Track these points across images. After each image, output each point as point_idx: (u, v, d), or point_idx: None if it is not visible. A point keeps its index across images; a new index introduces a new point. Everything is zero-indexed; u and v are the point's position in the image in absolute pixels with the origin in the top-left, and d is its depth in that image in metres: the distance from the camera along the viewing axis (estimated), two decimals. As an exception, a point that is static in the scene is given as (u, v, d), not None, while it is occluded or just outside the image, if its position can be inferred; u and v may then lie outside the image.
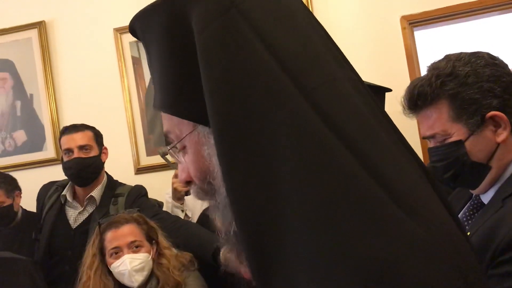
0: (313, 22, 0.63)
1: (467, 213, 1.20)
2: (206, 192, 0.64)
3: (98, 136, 2.50)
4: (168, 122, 0.65)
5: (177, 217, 2.35)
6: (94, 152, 2.44)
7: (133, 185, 2.54)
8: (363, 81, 0.63)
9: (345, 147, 0.52)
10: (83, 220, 2.43)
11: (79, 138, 2.41)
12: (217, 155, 0.57)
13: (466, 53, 1.17)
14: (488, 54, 1.17)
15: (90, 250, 1.98)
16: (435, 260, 0.49)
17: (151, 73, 0.67)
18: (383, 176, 0.52)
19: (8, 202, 2.56)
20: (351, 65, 0.63)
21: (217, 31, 0.56)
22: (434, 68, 1.17)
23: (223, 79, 0.55)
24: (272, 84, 0.55)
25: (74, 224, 2.45)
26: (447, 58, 1.18)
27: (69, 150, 2.41)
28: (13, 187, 2.62)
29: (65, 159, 2.42)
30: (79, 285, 1.94)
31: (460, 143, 1.12)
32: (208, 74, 0.56)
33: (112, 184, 2.53)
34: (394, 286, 0.47)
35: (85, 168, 2.40)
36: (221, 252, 2.28)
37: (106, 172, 2.57)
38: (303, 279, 0.50)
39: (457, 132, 1.13)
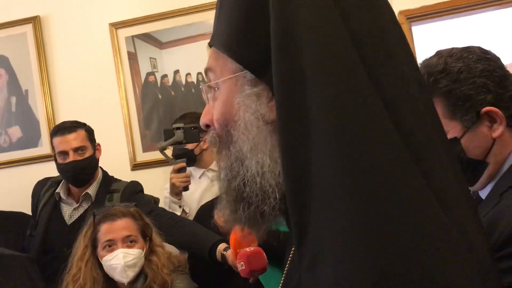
0: (388, 7, 0.63)
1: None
2: (222, 139, 0.64)
3: (90, 134, 2.47)
4: (213, 60, 0.65)
5: (174, 214, 2.34)
6: (89, 152, 2.42)
7: (129, 181, 2.52)
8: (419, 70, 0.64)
9: (398, 132, 0.52)
10: (78, 216, 2.42)
11: (73, 140, 2.38)
12: (276, 108, 0.56)
13: (457, 49, 1.15)
14: (479, 48, 1.16)
15: (82, 241, 1.94)
16: (452, 258, 0.49)
17: (219, 10, 0.66)
18: (428, 172, 0.52)
19: None
20: (408, 46, 0.64)
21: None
22: (426, 65, 1.16)
23: (295, 44, 0.55)
24: (339, 52, 0.54)
25: (69, 221, 2.44)
26: (439, 54, 1.16)
27: (63, 153, 2.38)
28: None
29: (60, 161, 2.40)
30: (67, 276, 1.91)
31: (456, 140, 1.11)
32: (281, 35, 0.56)
33: (107, 180, 2.52)
34: (409, 284, 0.46)
35: (82, 171, 2.39)
36: (217, 249, 2.25)
37: (101, 167, 2.55)
38: (329, 246, 0.50)
39: (452, 130, 1.12)
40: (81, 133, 2.41)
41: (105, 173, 2.56)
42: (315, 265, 0.51)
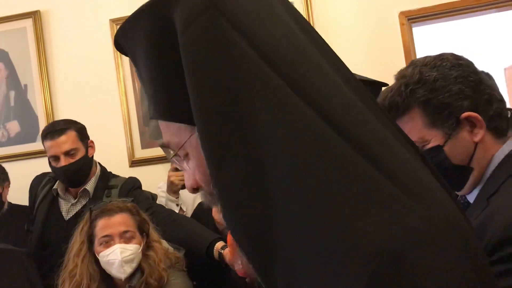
0: (294, 14, 0.63)
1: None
2: (213, 196, 0.62)
3: (81, 133, 2.42)
4: (167, 132, 0.65)
5: (171, 211, 2.33)
6: (80, 153, 2.38)
7: (127, 177, 2.51)
8: (348, 69, 0.63)
9: (335, 132, 0.52)
10: (76, 212, 2.41)
11: (63, 143, 2.33)
12: (205, 158, 0.56)
13: (431, 57, 1.17)
14: (452, 55, 1.17)
15: (78, 237, 1.93)
16: (443, 246, 0.48)
17: (142, 84, 0.66)
18: (376, 157, 0.52)
19: None
20: (334, 52, 0.63)
21: (197, 30, 0.56)
22: (402, 76, 1.16)
23: (206, 78, 0.55)
24: (257, 78, 0.54)
25: (67, 216, 2.43)
26: (413, 64, 1.17)
27: (55, 157, 2.36)
28: (3, 178, 2.61)
29: (53, 164, 2.38)
30: (64, 272, 1.90)
31: (439, 148, 1.13)
32: (192, 75, 0.56)
33: (106, 175, 2.50)
34: (403, 277, 0.46)
35: (75, 173, 2.37)
36: (214, 248, 2.27)
37: (99, 163, 2.54)
38: (304, 274, 0.49)
39: (434, 138, 1.13)
40: (71, 134, 2.36)
41: (103, 168, 2.54)
42: None
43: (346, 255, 0.47)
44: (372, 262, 0.46)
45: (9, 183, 2.65)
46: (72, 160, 2.35)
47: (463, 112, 1.11)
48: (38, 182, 2.55)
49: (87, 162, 2.43)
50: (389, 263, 0.46)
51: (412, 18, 2.89)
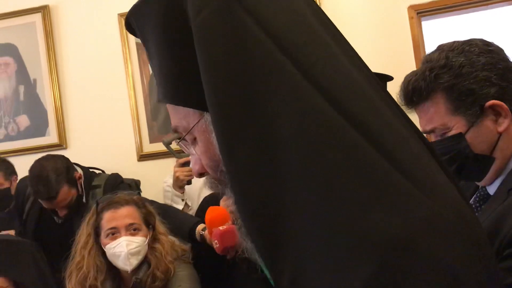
0: (311, 5, 0.62)
1: (473, 205, 1.18)
2: (220, 181, 0.63)
3: (70, 180, 2.38)
4: (175, 115, 0.64)
5: (152, 201, 2.32)
6: (74, 197, 2.38)
7: (129, 173, 2.53)
8: (362, 59, 0.62)
9: (346, 120, 0.52)
10: (65, 215, 2.42)
11: (59, 203, 2.34)
12: (217, 142, 0.56)
13: (459, 42, 1.13)
14: (482, 41, 1.13)
15: (85, 229, 1.94)
16: (451, 236, 0.49)
17: (152, 68, 0.65)
18: (386, 147, 0.51)
19: (6, 185, 2.60)
20: (348, 43, 0.62)
21: (210, 14, 0.56)
22: (427, 60, 1.13)
23: (218, 62, 0.54)
24: (270, 64, 0.54)
25: (58, 220, 2.45)
26: (440, 48, 1.14)
27: (51, 209, 2.39)
28: (11, 171, 2.64)
29: (49, 209, 2.40)
30: (71, 264, 1.91)
31: (460, 136, 1.09)
32: (204, 59, 0.55)
33: (88, 177, 2.49)
34: (410, 265, 0.46)
35: (73, 213, 2.36)
36: (196, 230, 2.32)
37: (80, 166, 2.53)
38: (312, 261, 0.49)
39: (456, 125, 1.10)
40: (63, 192, 2.32)
41: (84, 171, 2.52)
42: (297, 285, 0.50)
43: (355, 243, 0.47)
44: (381, 250, 0.46)
45: (16, 177, 2.67)
46: (68, 206, 2.36)
47: (488, 100, 1.07)
48: (24, 187, 2.54)
49: (80, 199, 2.41)
50: (399, 251, 0.46)
51: (421, 11, 2.87)
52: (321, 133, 0.51)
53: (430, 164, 0.56)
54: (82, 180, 2.44)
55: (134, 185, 2.57)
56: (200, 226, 2.06)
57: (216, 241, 1.69)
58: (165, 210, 2.22)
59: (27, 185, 2.51)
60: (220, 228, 1.68)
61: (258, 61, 0.54)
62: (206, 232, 1.98)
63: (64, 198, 2.34)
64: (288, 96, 0.52)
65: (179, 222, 2.15)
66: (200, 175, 0.66)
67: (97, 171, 2.68)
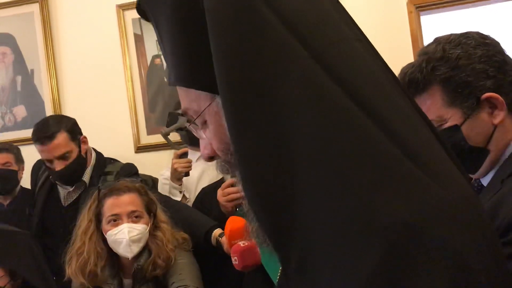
0: None
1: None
2: (231, 164, 0.63)
3: (72, 132, 2.32)
4: (186, 98, 0.64)
5: (168, 197, 2.32)
6: (74, 154, 2.31)
7: (124, 163, 2.49)
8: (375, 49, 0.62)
9: (358, 106, 0.52)
10: (73, 200, 2.40)
11: (55, 149, 2.25)
12: (227, 125, 0.56)
13: (456, 35, 1.13)
14: (478, 33, 1.13)
15: (86, 215, 1.94)
16: (459, 223, 0.49)
17: (163, 50, 0.66)
18: (396, 133, 0.52)
19: (15, 168, 2.64)
20: (360, 29, 0.62)
21: None
22: (424, 53, 1.14)
23: (231, 45, 0.55)
24: (281, 48, 0.54)
25: (65, 202, 2.43)
26: (437, 41, 1.14)
27: (48, 160, 2.31)
28: (21, 159, 2.70)
29: (47, 164, 2.34)
30: (72, 249, 1.91)
31: (456, 128, 1.10)
32: (216, 43, 0.55)
33: (101, 163, 2.46)
34: (420, 251, 0.46)
35: (70, 175, 2.33)
36: (212, 234, 2.26)
37: (94, 150, 2.50)
38: (321, 243, 0.50)
39: (452, 117, 1.10)
40: (61, 137, 2.27)
41: (98, 156, 2.49)
42: (305, 268, 0.51)
43: (364, 227, 0.47)
44: (390, 234, 0.46)
45: (23, 166, 2.70)
46: (66, 163, 2.28)
47: (485, 93, 1.07)
48: (38, 166, 2.54)
49: (81, 161, 2.36)
50: (408, 236, 0.46)
51: (420, 6, 2.86)
52: (332, 118, 0.51)
53: (440, 152, 0.56)
54: (86, 146, 2.40)
55: (151, 182, 2.51)
56: (217, 231, 2.03)
57: (236, 257, 1.57)
58: (178, 210, 2.19)
59: (40, 167, 2.51)
60: (241, 244, 1.56)
61: (270, 45, 0.54)
62: (223, 239, 1.96)
63: (61, 145, 2.26)
64: (300, 81, 0.53)
65: (195, 223, 2.12)
66: (210, 158, 0.66)
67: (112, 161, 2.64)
